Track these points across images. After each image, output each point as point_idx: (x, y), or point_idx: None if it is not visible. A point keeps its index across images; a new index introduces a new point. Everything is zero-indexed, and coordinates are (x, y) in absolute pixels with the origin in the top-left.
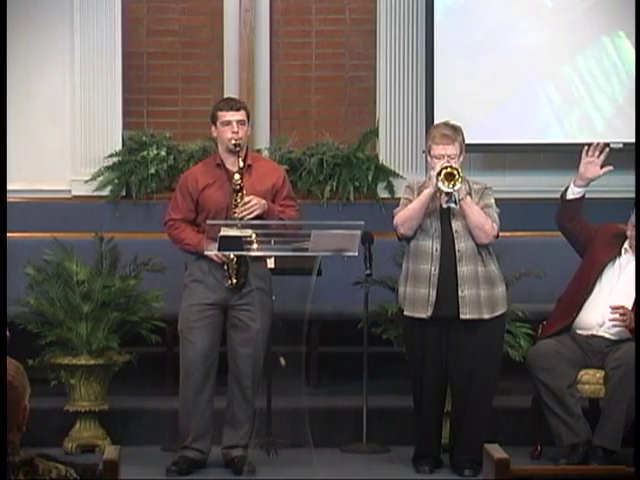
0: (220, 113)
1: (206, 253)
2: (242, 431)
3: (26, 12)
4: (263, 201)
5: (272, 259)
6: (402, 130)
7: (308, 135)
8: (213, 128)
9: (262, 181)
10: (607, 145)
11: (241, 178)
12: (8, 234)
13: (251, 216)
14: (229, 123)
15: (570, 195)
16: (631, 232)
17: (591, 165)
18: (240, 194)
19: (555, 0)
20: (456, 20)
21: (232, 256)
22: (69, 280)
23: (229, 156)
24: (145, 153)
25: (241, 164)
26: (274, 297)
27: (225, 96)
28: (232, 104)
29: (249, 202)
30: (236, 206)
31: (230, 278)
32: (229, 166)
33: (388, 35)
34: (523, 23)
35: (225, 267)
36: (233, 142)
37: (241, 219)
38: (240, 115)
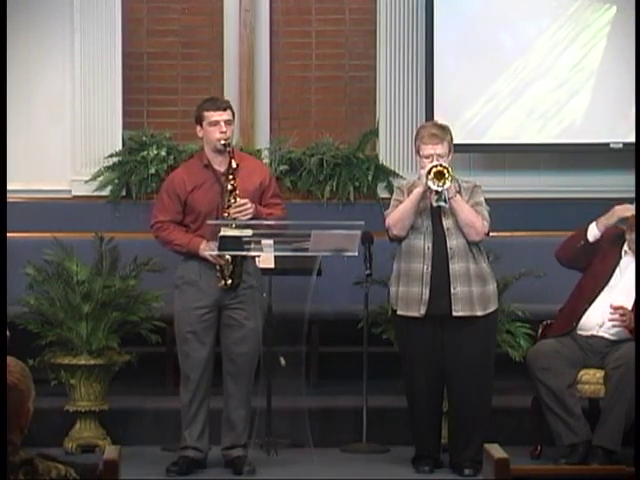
0: (207, 113)
1: (203, 254)
2: (239, 430)
3: (26, 12)
4: (254, 205)
5: (270, 258)
6: (402, 130)
7: (308, 135)
8: (198, 128)
9: (250, 180)
10: None
11: (234, 179)
12: (8, 234)
13: (244, 218)
14: (217, 123)
15: (591, 237)
16: (630, 236)
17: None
18: (233, 194)
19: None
20: (456, 20)
21: (227, 257)
22: (69, 280)
23: (217, 156)
24: (145, 153)
25: (234, 165)
26: (264, 294)
27: (225, 96)
28: (219, 104)
29: (244, 204)
30: (229, 207)
31: (225, 279)
32: (217, 166)
33: (388, 35)
34: (523, 23)
35: (218, 268)
36: (222, 142)
37: (234, 219)
38: (227, 115)
